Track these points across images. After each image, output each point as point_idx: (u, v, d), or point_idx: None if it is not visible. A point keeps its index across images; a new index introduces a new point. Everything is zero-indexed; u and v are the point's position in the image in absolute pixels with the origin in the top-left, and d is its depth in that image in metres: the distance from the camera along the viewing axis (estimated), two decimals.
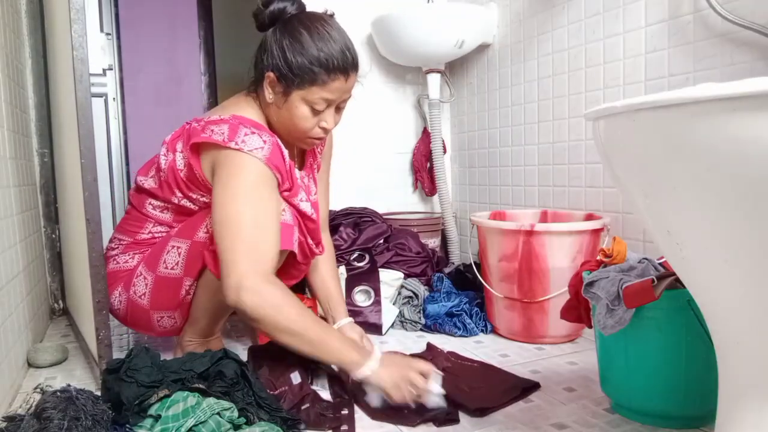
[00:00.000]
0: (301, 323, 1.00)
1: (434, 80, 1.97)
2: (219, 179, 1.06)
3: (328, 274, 1.36)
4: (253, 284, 0.98)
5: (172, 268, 1.17)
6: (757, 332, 0.56)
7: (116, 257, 1.22)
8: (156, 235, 1.22)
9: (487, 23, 1.87)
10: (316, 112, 1.11)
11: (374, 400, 1.03)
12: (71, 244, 1.47)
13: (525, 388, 1.11)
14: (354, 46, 1.12)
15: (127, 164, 3.01)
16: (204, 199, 1.15)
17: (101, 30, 2.94)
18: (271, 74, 1.10)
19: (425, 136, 2.11)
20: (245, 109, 1.15)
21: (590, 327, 1.08)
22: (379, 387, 1.00)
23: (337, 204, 1.87)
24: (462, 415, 1.01)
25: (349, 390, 1.09)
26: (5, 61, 1.33)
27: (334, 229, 1.70)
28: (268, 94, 1.12)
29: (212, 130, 1.07)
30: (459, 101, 2.14)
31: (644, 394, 0.95)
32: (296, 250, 1.14)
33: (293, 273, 1.24)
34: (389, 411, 1.02)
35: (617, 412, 1.01)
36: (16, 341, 1.20)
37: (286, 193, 1.13)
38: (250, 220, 1.02)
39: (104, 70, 2.97)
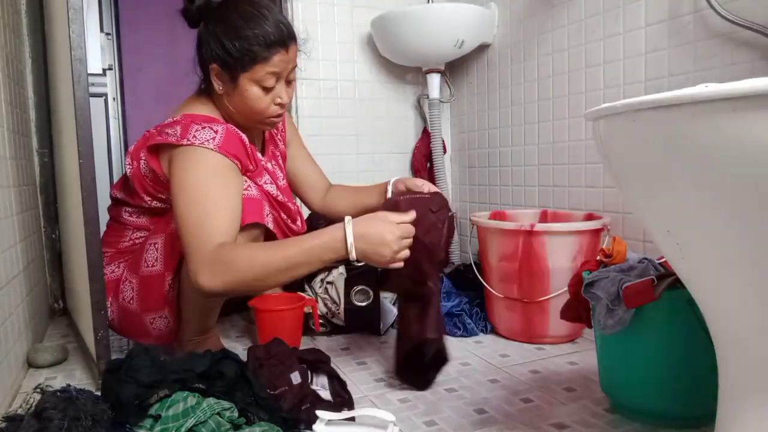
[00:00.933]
0: (258, 262, 0.98)
1: (434, 80, 1.97)
2: (173, 175, 1.08)
3: (344, 190, 1.44)
4: (203, 263, 0.99)
5: (152, 265, 1.18)
6: (757, 332, 0.56)
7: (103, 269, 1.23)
8: (136, 241, 1.24)
9: (487, 23, 1.87)
10: (267, 90, 1.13)
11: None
12: (71, 245, 1.47)
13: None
14: (287, 18, 1.15)
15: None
16: None
17: (101, 30, 2.94)
18: (215, 65, 1.12)
19: (425, 136, 2.11)
20: (196, 107, 1.19)
21: (590, 327, 1.08)
22: (371, 264, 1.03)
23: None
24: (462, 415, 1.01)
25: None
26: (5, 61, 1.33)
27: None
28: (217, 86, 1.15)
29: (167, 133, 1.10)
30: (459, 101, 2.14)
31: (644, 394, 0.95)
32: (271, 225, 1.15)
33: None
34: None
35: (617, 412, 1.01)
36: (16, 341, 1.20)
37: (249, 174, 1.15)
38: (202, 209, 1.03)
39: (104, 70, 2.97)
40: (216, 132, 1.08)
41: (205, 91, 1.21)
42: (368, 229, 1.00)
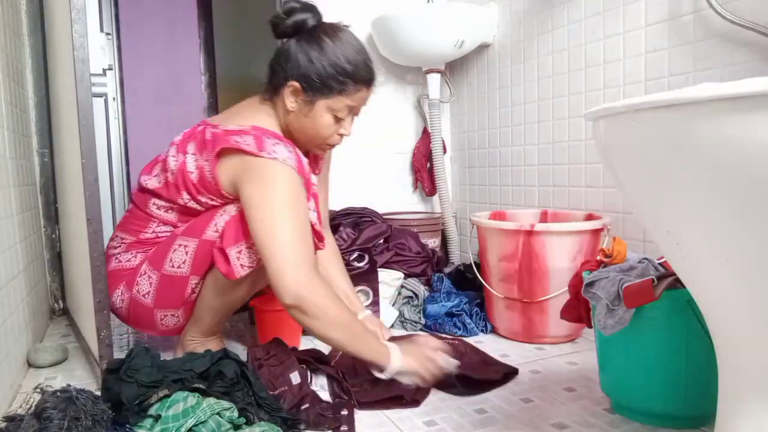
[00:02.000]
0: (348, 317, 1.05)
1: (434, 80, 1.97)
2: (253, 186, 1.07)
3: (338, 273, 1.39)
4: (309, 279, 1.03)
5: (178, 267, 1.17)
6: (757, 332, 0.56)
7: (118, 256, 1.22)
8: (160, 234, 1.22)
9: (487, 23, 1.87)
10: (338, 120, 1.16)
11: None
12: (71, 244, 1.47)
13: (506, 372, 1.17)
14: (371, 59, 1.18)
15: (127, 164, 3.01)
16: (213, 202, 1.15)
17: (101, 30, 2.94)
18: (296, 84, 1.13)
19: (425, 136, 2.11)
20: (264, 118, 1.18)
21: (590, 327, 1.08)
22: (412, 374, 1.06)
23: (337, 204, 1.87)
24: (462, 415, 1.01)
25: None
26: (5, 61, 1.33)
27: (333, 229, 1.70)
28: (290, 103, 1.15)
29: (236, 141, 1.08)
30: (459, 101, 2.14)
31: (644, 394, 0.95)
32: None
33: None
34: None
35: (617, 412, 1.01)
36: (16, 341, 1.20)
37: None
38: (291, 224, 1.05)
39: (104, 70, 2.97)
40: (290, 152, 1.09)
41: (268, 100, 1.20)
42: (411, 351, 1.10)
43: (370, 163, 2.08)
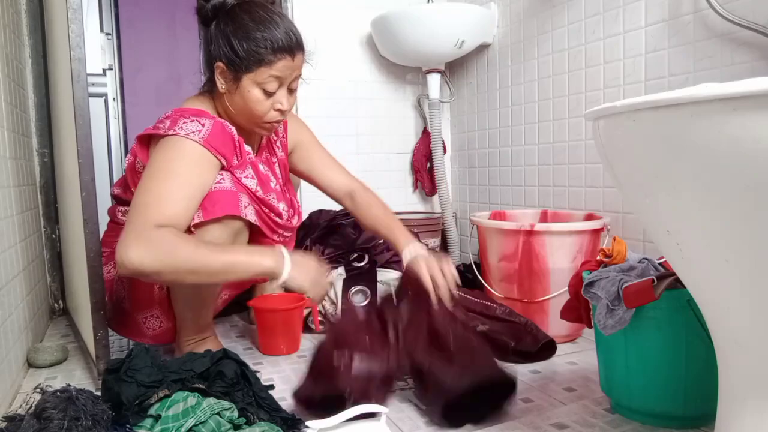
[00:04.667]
0: (199, 256, 0.99)
1: (434, 80, 1.97)
2: (149, 160, 1.10)
3: (380, 211, 1.37)
4: (139, 238, 0.97)
5: None
6: (757, 332, 0.56)
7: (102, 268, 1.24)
8: None
9: (487, 23, 1.87)
10: (268, 94, 1.14)
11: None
12: (71, 244, 1.47)
13: (542, 344, 1.24)
14: (297, 28, 1.16)
15: None
16: None
17: (101, 30, 2.94)
18: (221, 64, 1.13)
19: (425, 136, 2.12)
20: (192, 103, 1.20)
21: (590, 327, 1.08)
22: (298, 289, 1.08)
23: (337, 204, 1.87)
24: None
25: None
26: (5, 61, 1.33)
27: (333, 229, 1.70)
28: (221, 84, 1.16)
29: (158, 126, 1.12)
30: (459, 101, 2.14)
31: (644, 394, 0.95)
32: (253, 218, 1.13)
33: None
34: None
35: (617, 412, 1.01)
36: (16, 341, 1.20)
37: (233, 167, 1.15)
38: (159, 191, 1.03)
39: (104, 70, 2.97)
40: (203, 125, 1.09)
41: (207, 91, 1.22)
42: (303, 263, 1.10)
43: (370, 163, 2.08)
